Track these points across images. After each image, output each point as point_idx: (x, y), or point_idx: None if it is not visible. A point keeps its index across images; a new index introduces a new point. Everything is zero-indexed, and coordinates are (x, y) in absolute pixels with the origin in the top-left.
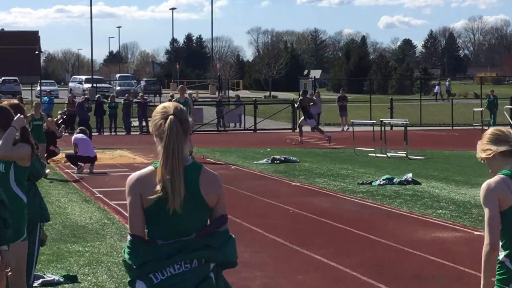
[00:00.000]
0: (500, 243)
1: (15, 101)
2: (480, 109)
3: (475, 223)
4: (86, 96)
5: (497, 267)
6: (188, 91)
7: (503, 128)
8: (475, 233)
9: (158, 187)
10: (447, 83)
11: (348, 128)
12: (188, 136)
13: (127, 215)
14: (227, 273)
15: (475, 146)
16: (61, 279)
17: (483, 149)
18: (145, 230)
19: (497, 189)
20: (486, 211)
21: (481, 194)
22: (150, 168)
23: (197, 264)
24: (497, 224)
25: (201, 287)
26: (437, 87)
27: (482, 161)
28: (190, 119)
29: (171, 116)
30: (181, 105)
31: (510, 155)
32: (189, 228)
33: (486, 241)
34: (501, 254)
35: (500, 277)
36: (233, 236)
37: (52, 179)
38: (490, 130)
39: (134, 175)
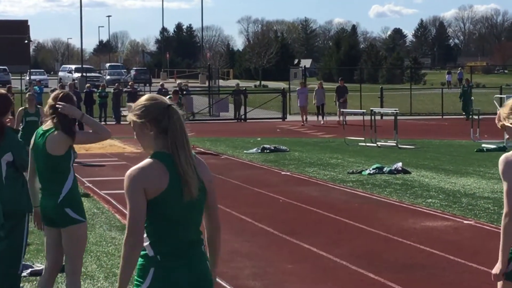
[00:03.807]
0: None
1: (2, 91)
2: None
3: (465, 212)
4: (71, 82)
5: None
6: (178, 81)
7: None
8: (465, 222)
9: (166, 178)
10: (458, 71)
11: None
12: None
13: (127, 210)
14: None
15: (465, 135)
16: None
17: (507, 117)
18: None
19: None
20: (504, 184)
21: (500, 167)
22: (150, 160)
23: None
24: None
25: None
26: (447, 75)
27: (500, 127)
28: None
29: (173, 107)
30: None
31: None
32: (196, 216)
33: (506, 210)
34: None
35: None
36: None
37: None
38: None
39: (135, 168)
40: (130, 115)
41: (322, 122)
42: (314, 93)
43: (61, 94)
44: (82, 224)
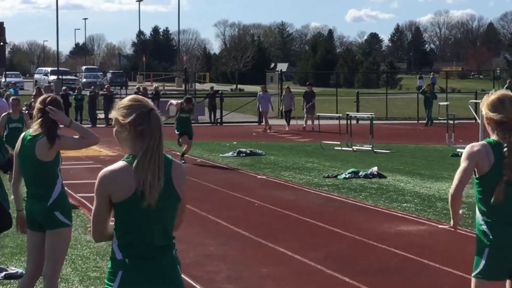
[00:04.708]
0: (479, 208)
1: None
2: (446, 103)
3: (440, 216)
4: (47, 85)
5: (476, 231)
6: (155, 84)
7: (506, 95)
8: (440, 226)
9: (134, 183)
10: (431, 76)
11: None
12: None
13: (92, 208)
14: (192, 266)
15: (440, 140)
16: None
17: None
18: (113, 225)
19: (477, 153)
20: (461, 165)
21: (464, 152)
22: (122, 162)
23: None
24: (466, 179)
25: None
26: (419, 80)
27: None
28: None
29: (155, 111)
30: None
31: (499, 124)
32: (166, 221)
33: (453, 186)
34: (480, 219)
35: (478, 240)
36: None
37: None
38: (497, 95)
39: (107, 170)
40: (113, 112)
41: (286, 129)
42: (281, 98)
43: (49, 98)
44: (69, 228)
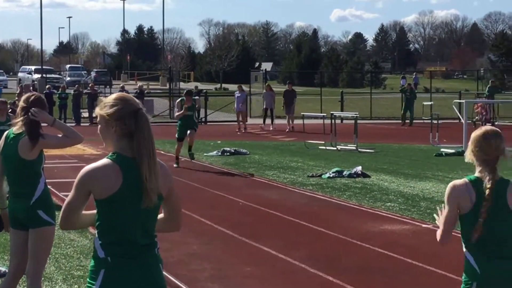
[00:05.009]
0: (464, 243)
1: None
2: (430, 103)
3: (423, 216)
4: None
5: (464, 262)
6: (139, 83)
7: (489, 131)
8: (423, 225)
9: (118, 181)
10: (414, 76)
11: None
12: None
13: (66, 199)
14: (176, 265)
15: (424, 139)
16: (7, 271)
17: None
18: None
19: (458, 193)
20: (446, 208)
21: (446, 192)
22: (106, 160)
23: None
24: (452, 224)
25: None
26: (402, 80)
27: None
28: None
29: (143, 111)
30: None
31: (481, 162)
32: (148, 221)
33: (440, 232)
34: (466, 253)
35: (466, 274)
36: None
37: None
38: (483, 130)
39: (90, 167)
40: (97, 109)
41: (271, 128)
42: (262, 96)
43: (33, 97)
44: (52, 227)
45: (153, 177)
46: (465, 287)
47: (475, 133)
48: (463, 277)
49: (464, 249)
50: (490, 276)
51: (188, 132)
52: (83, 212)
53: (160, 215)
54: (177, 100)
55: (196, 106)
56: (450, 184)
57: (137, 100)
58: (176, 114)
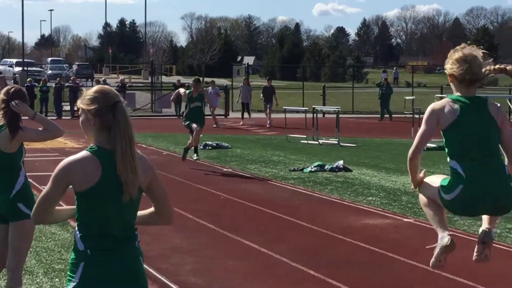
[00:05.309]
0: (449, 154)
1: None
2: (412, 97)
3: (405, 210)
4: (1, 76)
5: (451, 172)
6: (121, 76)
7: (470, 54)
8: (405, 220)
9: (97, 173)
10: (394, 70)
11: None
12: None
13: (42, 191)
14: (157, 258)
15: (406, 133)
16: None
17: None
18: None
19: (438, 110)
20: (422, 127)
21: (426, 112)
22: (85, 152)
23: None
24: (424, 140)
25: None
26: (383, 74)
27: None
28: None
29: (121, 104)
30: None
31: (462, 81)
32: (128, 214)
33: (412, 147)
34: (452, 162)
35: (451, 178)
36: None
37: None
38: (461, 53)
39: (69, 159)
40: (79, 102)
41: (249, 122)
42: (239, 90)
43: (13, 89)
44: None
45: (129, 170)
46: (449, 188)
47: (454, 54)
48: (446, 183)
49: (449, 159)
50: (476, 176)
51: (194, 126)
52: (57, 208)
53: (151, 209)
54: (184, 92)
55: (205, 100)
56: (430, 106)
57: (116, 93)
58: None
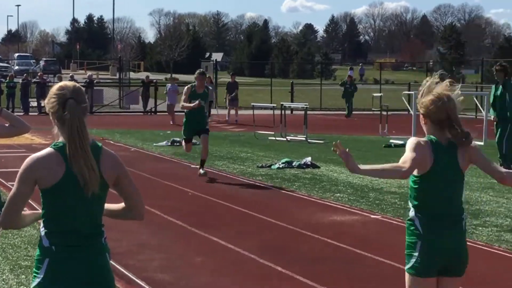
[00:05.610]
0: (412, 204)
1: None
2: (379, 94)
3: (372, 206)
4: None
5: (407, 225)
6: (88, 72)
7: (443, 94)
8: (372, 216)
9: (61, 170)
10: (360, 67)
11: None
12: (86, 116)
13: (10, 193)
14: (124, 255)
15: (373, 130)
16: None
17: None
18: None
19: (423, 148)
20: (409, 154)
21: (408, 143)
22: (49, 149)
23: None
24: (412, 168)
25: None
26: (350, 71)
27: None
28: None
29: (71, 101)
30: (78, 84)
31: (438, 123)
32: (93, 209)
33: (402, 165)
34: (411, 214)
35: (410, 236)
36: None
37: None
38: (435, 95)
39: (34, 156)
40: (46, 99)
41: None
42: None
43: None
44: None
45: (84, 167)
46: (409, 246)
47: (426, 98)
48: (406, 240)
49: (413, 211)
50: (433, 235)
51: (201, 136)
52: (22, 213)
53: (123, 203)
54: (186, 86)
55: (210, 92)
56: (413, 138)
57: (72, 90)
58: (183, 104)
